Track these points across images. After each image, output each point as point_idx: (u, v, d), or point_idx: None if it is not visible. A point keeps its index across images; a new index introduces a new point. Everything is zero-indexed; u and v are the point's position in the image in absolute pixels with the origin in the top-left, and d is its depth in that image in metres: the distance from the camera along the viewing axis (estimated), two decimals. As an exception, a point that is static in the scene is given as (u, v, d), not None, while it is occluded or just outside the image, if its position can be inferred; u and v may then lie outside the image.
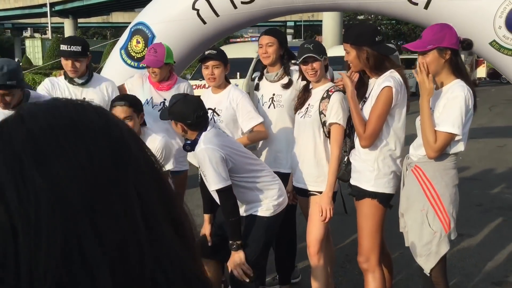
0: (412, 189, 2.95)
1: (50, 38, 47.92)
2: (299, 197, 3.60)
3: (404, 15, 4.98)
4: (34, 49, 44.59)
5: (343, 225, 4.74)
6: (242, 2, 5.26)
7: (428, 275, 2.92)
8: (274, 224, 3.20)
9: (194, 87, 13.90)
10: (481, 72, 28.31)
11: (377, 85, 3.08)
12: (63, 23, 54.35)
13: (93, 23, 66.45)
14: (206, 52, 3.72)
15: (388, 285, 3.37)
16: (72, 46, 3.66)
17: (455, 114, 2.77)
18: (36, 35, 75.80)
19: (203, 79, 14.12)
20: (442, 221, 2.85)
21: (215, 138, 3.06)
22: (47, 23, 49.91)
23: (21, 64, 39.19)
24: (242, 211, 3.17)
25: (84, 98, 3.71)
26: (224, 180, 2.97)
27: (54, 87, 3.80)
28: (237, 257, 3.03)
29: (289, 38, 51.28)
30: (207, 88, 13.68)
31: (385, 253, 3.40)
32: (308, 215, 3.46)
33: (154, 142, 3.37)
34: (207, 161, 2.96)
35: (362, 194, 3.11)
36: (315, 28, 53.64)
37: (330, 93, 3.31)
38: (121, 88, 4.00)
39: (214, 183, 2.97)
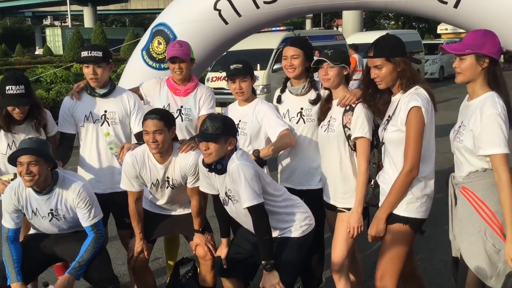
0: (464, 212, 2.80)
1: (70, 26, 48.21)
2: (327, 211, 3.53)
3: (433, 14, 4.81)
4: (54, 38, 44.88)
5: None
6: (264, 2, 5.15)
7: None
8: (305, 244, 3.15)
9: (214, 78, 13.90)
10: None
11: (403, 103, 2.94)
12: (82, 10, 54.60)
13: (112, 10, 66.64)
14: (232, 67, 3.60)
15: None
16: (93, 52, 3.58)
17: (497, 132, 2.60)
18: (56, 23, 76.32)
19: (223, 70, 14.17)
20: (502, 237, 2.71)
21: (247, 156, 3.06)
22: (67, 11, 50.16)
23: (42, 53, 39.55)
24: (274, 233, 3.12)
25: (106, 111, 3.67)
26: (258, 196, 2.94)
27: (72, 103, 3.73)
28: (272, 277, 2.98)
29: (307, 23, 50.98)
30: (225, 80, 13.57)
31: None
32: (334, 230, 3.39)
33: (188, 157, 3.32)
34: (242, 177, 2.92)
35: (392, 219, 2.97)
36: (334, 12, 52.96)
37: (353, 105, 3.21)
38: (136, 91, 3.93)
39: (248, 199, 2.92)
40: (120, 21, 74.48)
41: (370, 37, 20.06)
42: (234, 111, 3.70)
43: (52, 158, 3.23)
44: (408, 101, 2.90)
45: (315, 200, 3.45)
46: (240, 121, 3.60)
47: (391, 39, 3.09)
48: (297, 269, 3.15)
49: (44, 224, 3.41)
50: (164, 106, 3.81)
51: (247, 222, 3.15)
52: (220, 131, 2.95)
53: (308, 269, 3.73)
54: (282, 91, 3.73)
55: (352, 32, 24.70)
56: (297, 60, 3.51)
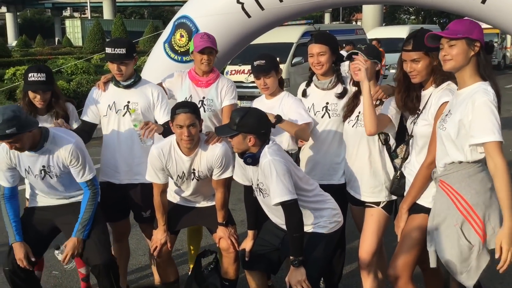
0: (441, 205, 2.78)
1: (89, 17, 48.51)
2: (353, 206, 3.52)
3: (460, 10, 4.75)
4: (74, 29, 45.17)
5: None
6: (288, -5, 5.12)
7: None
8: (333, 241, 3.16)
9: (233, 72, 13.92)
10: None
11: (435, 98, 2.93)
12: (101, 2, 54.85)
13: (130, 2, 66.87)
14: (255, 64, 3.61)
15: None
16: (116, 49, 3.61)
17: (491, 120, 2.55)
18: (75, 14, 76.84)
19: (242, 64, 14.14)
20: (478, 232, 2.66)
21: (280, 151, 3.06)
22: (86, 2, 50.46)
23: (61, 44, 39.89)
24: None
25: (129, 101, 3.69)
26: (290, 192, 2.94)
27: (98, 93, 3.80)
28: (299, 273, 2.99)
29: (326, 17, 50.65)
30: (245, 73, 13.58)
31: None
32: (360, 226, 3.38)
33: (214, 149, 3.33)
34: (274, 172, 2.93)
35: (418, 209, 2.98)
36: (354, 6, 52.47)
37: (384, 99, 3.20)
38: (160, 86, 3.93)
39: (279, 195, 2.93)
40: (139, 13, 74.72)
41: (391, 31, 19.96)
42: (261, 104, 3.70)
43: (30, 124, 3.15)
44: (440, 96, 2.90)
45: (338, 195, 3.44)
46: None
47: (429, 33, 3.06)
48: (323, 266, 3.16)
49: (37, 184, 3.45)
50: (186, 97, 3.83)
51: (277, 216, 3.17)
52: (234, 128, 3.02)
53: (329, 264, 3.73)
54: (308, 85, 3.72)
55: (372, 26, 24.46)
56: (324, 57, 3.50)
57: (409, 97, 3.05)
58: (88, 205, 3.40)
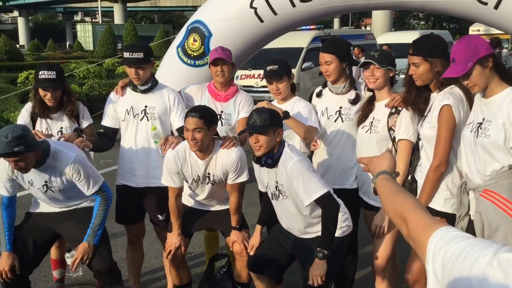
0: (490, 216, 2.74)
1: (100, 22, 48.85)
2: (365, 211, 3.53)
3: (472, 15, 4.75)
4: (85, 34, 45.47)
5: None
6: (301, 1, 5.15)
7: None
8: (343, 245, 3.17)
9: (243, 76, 13.96)
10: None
11: (437, 101, 2.96)
12: (112, 7, 55.27)
13: (141, 7, 67.28)
14: (268, 69, 3.66)
15: None
16: (134, 53, 3.64)
17: None
18: (87, 19, 77.41)
19: (252, 68, 14.13)
20: None
21: (298, 151, 3.14)
22: (97, 7, 50.85)
23: (73, 48, 40.22)
24: (313, 231, 3.17)
25: (146, 106, 3.73)
26: (325, 185, 3.00)
27: (116, 98, 3.85)
28: (322, 267, 2.99)
29: (335, 22, 50.68)
30: (256, 78, 13.59)
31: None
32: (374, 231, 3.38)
33: (230, 154, 3.35)
34: (304, 171, 2.99)
35: (431, 213, 2.98)
36: (363, 11, 52.50)
37: (399, 107, 3.21)
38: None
39: (316, 190, 2.98)
40: (149, 18, 75.17)
41: (401, 37, 19.93)
42: None
43: (36, 144, 3.17)
44: (441, 99, 2.93)
45: (350, 200, 3.45)
46: None
47: (433, 39, 3.11)
48: (333, 269, 3.16)
49: (40, 195, 3.48)
50: None
51: (290, 221, 3.20)
52: (268, 123, 3.03)
53: (341, 269, 3.73)
54: (324, 86, 3.77)
55: (382, 31, 24.47)
56: (331, 66, 3.55)
57: (418, 97, 3.07)
58: (100, 210, 3.42)
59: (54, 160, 3.33)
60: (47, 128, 3.73)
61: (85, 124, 3.85)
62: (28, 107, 3.79)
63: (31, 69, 15.18)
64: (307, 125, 3.52)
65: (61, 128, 3.76)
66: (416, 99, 3.08)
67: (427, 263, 1.16)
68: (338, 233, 3.13)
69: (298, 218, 3.16)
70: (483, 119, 2.74)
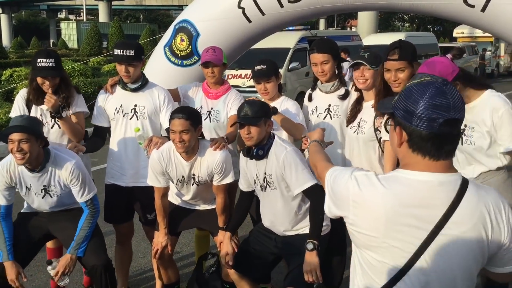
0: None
1: (84, 20, 48.47)
2: None
3: (459, 17, 4.81)
4: (69, 32, 45.15)
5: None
6: (289, 1, 5.16)
7: None
8: (323, 244, 3.17)
9: (230, 76, 13.99)
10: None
11: None
12: (97, 5, 54.84)
13: (126, 5, 66.88)
14: (256, 68, 3.68)
15: None
16: (125, 51, 3.62)
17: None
18: (71, 17, 76.74)
19: (239, 68, 14.13)
20: None
21: (290, 142, 3.20)
22: (82, 5, 50.41)
23: (57, 46, 39.87)
24: (297, 227, 3.20)
25: (136, 105, 3.71)
26: (315, 178, 3.01)
27: (106, 96, 3.83)
28: (314, 259, 2.97)
29: (321, 23, 50.91)
30: (242, 78, 13.62)
31: None
32: None
33: (215, 155, 3.35)
34: (298, 161, 3.05)
35: None
36: (349, 13, 52.77)
37: None
38: (174, 93, 3.98)
39: (309, 179, 3.03)
40: (134, 16, 74.71)
41: (386, 38, 20.04)
42: None
43: (43, 136, 3.27)
44: None
45: None
46: None
47: (410, 44, 3.18)
48: None
49: (37, 201, 3.46)
50: (196, 107, 3.90)
51: (276, 215, 3.23)
52: (259, 114, 3.09)
53: (329, 269, 3.75)
54: (313, 89, 3.80)
55: (367, 33, 24.63)
56: (327, 65, 3.59)
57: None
58: (86, 223, 3.40)
59: (53, 165, 3.33)
60: (41, 115, 3.68)
61: (77, 109, 3.76)
62: (22, 93, 3.73)
63: (15, 67, 15.01)
64: (295, 122, 3.54)
65: None
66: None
67: (326, 188, 1.83)
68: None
69: (283, 212, 3.19)
70: (465, 125, 2.80)
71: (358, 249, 1.75)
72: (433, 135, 1.58)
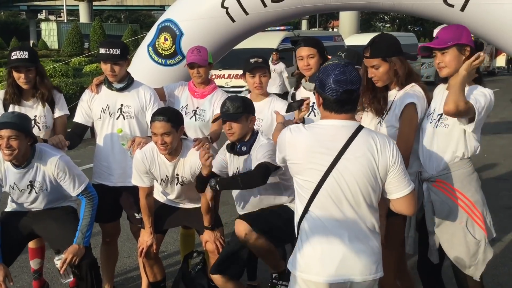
0: (442, 204, 2.89)
1: (65, 21, 47.98)
2: None
3: (439, 17, 4.89)
4: (49, 32, 44.63)
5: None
6: (272, 1, 5.21)
7: (478, 280, 2.88)
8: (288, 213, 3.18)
9: (213, 76, 14.03)
10: (500, 61, 27.94)
11: (399, 99, 3.01)
12: (78, 5, 54.29)
13: (107, 6, 66.30)
14: (253, 61, 3.68)
15: None
16: (110, 50, 3.60)
17: (480, 99, 2.72)
18: (51, 17, 75.88)
19: (222, 68, 14.11)
20: (481, 227, 2.82)
21: (270, 139, 3.26)
22: (62, 5, 49.88)
23: (37, 46, 39.42)
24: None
25: (122, 104, 3.70)
26: (275, 167, 3.07)
27: (91, 96, 3.80)
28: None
29: (303, 23, 51.15)
30: (226, 78, 13.57)
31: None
32: None
33: (197, 156, 3.35)
34: (269, 147, 3.16)
35: (389, 212, 3.02)
36: (330, 13, 53.04)
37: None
38: (159, 92, 3.98)
39: (265, 158, 3.11)
40: (116, 17, 74.14)
41: (368, 38, 20.09)
42: None
43: (32, 133, 3.28)
44: (404, 97, 2.99)
45: None
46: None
47: (386, 38, 3.16)
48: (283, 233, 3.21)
49: (23, 198, 3.44)
50: (182, 106, 3.92)
51: (252, 203, 3.36)
52: (241, 110, 3.13)
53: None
54: (296, 88, 3.82)
55: (349, 33, 24.78)
56: (313, 60, 3.60)
57: (375, 97, 3.10)
58: (86, 211, 3.40)
59: (39, 160, 3.32)
60: None
61: (58, 113, 3.77)
62: (0, 94, 3.70)
63: (-5, 68, 14.84)
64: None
65: (35, 116, 3.67)
66: (373, 100, 3.11)
67: (277, 145, 2.56)
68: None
69: (259, 200, 3.34)
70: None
71: (294, 177, 2.44)
72: (337, 99, 2.32)
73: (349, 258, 2.32)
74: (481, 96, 2.73)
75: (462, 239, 2.83)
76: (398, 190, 2.40)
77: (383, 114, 3.08)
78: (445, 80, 2.96)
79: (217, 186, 3.13)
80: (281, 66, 12.65)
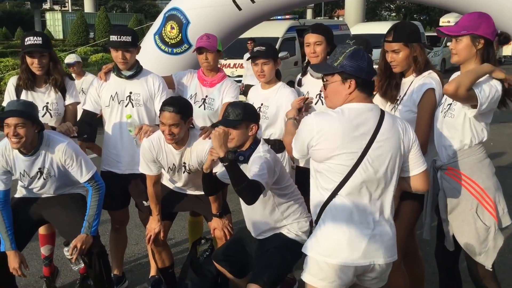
0: (453, 191, 2.90)
1: (70, 10, 47.95)
2: None
3: (443, 3, 4.86)
4: (54, 22, 44.65)
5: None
6: (279, -12, 5.19)
7: (490, 269, 2.88)
8: (295, 254, 3.11)
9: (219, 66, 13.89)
10: (507, 50, 27.72)
11: (418, 85, 3.03)
12: (82, -5, 54.23)
13: (112, -5, 66.14)
14: (255, 49, 3.69)
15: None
16: (122, 37, 3.61)
17: (484, 87, 2.69)
18: (56, 7, 75.80)
19: (227, 58, 14.00)
20: (492, 213, 2.83)
21: (271, 153, 3.11)
22: (67, -5, 49.87)
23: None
24: (275, 227, 3.22)
25: (131, 92, 3.71)
26: (264, 182, 2.87)
27: (100, 83, 3.82)
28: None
29: (308, 12, 50.88)
30: (231, 68, 13.49)
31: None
32: None
33: (204, 144, 3.37)
34: (263, 162, 2.95)
35: (403, 195, 3.02)
36: (336, 3, 52.76)
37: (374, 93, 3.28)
38: (168, 80, 3.98)
39: (255, 175, 2.87)
40: (120, 6, 73.96)
41: (374, 27, 20.12)
42: (257, 94, 3.81)
43: (39, 120, 3.29)
44: (423, 83, 3.02)
45: None
46: (262, 104, 3.71)
47: (409, 25, 3.21)
48: (282, 269, 3.14)
49: (33, 185, 3.47)
50: (191, 95, 3.92)
51: (249, 213, 3.26)
52: (240, 117, 3.03)
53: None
54: (303, 74, 3.82)
55: (354, 22, 24.64)
56: (320, 47, 3.59)
57: (389, 85, 3.14)
58: (93, 201, 3.42)
59: (46, 147, 3.35)
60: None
61: (69, 100, 3.79)
62: (13, 80, 3.72)
63: (2, 58, 14.89)
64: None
65: (47, 103, 3.69)
66: (387, 87, 3.15)
67: (293, 145, 2.56)
68: (296, 238, 3.17)
69: (260, 215, 3.18)
70: (453, 100, 2.85)
71: (320, 163, 2.42)
72: (372, 82, 2.45)
73: (374, 241, 2.39)
74: (487, 86, 2.71)
75: (472, 225, 2.84)
76: (417, 166, 2.52)
77: (397, 100, 3.11)
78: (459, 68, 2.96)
79: (230, 161, 2.78)
80: None
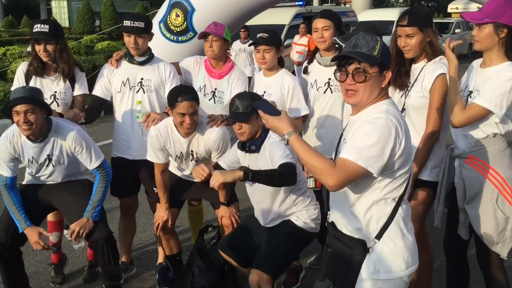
0: (473, 180, 2.86)
1: (75, -2, 47.78)
2: None
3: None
4: (60, 10, 44.51)
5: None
6: (285, -25, 5.15)
7: (505, 258, 2.88)
8: (302, 242, 3.23)
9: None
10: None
11: (428, 71, 3.01)
12: (88, -17, 54.05)
13: (117, -17, 65.88)
14: (258, 36, 3.67)
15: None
16: (135, 22, 3.61)
17: (497, 93, 2.66)
18: (61, -5, 75.52)
19: (231, 45, 13.82)
20: None
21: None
22: (72, -17, 49.64)
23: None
24: (284, 215, 3.26)
25: (142, 78, 3.71)
26: (292, 159, 2.97)
27: (111, 69, 3.82)
28: (229, 176, 2.97)
29: (315, 2, 50.48)
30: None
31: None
32: None
33: (212, 133, 3.37)
34: (282, 146, 2.98)
35: (418, 183, 3.05)
36: (343, -11, 52.28)
37: None
38: (175, 66, 3.94)
39: (282, 157, 2.96)
40: (126, -6, 73.67)
41: (381, 14, 19.96)
42: (259, 81, 3.80)
43: (47, 105, 3.30)
44: (434, 68, 2.99)
45: None
46: (264, 92, 3.69)
47: (423, 10, 3.18)
48: (287, 258, 3.21)
49: (42, 171, 3.50)
50: (200, 86, 3.88)
51: (259, 202, 3.28)
52: (250, 109, 3.02)
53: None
54: (310, 62, 3.79)
55: (362, 9, 24.42)
56: (327, 32, 3.57)
57: (399, 72, 3.11)
58: (99, 187, 3.45)
59: (55, 134, 3.36)
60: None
61: (77, 91, 3.79)
62: (23, 66, 3.74)
63: (8, 46, 14.90)
64: (296, 117, 3.59)
65: (55, 92, 3.69)
66: (396, 75, 3.11)
67: (361, 161, 2.02)
68: (304, 226, 3.21)
69: (270, 204, 3.22)
70: (474, 88, 2.83)
71: (394, 172, 2.09)
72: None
73: None
74: (499, 90, 2.67)
75: (492, 215, 2.82)
76: None
77: (407, 87, 3.09)
78: (480, 54, 2.92)
79: (250, 174, 2.91)
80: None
